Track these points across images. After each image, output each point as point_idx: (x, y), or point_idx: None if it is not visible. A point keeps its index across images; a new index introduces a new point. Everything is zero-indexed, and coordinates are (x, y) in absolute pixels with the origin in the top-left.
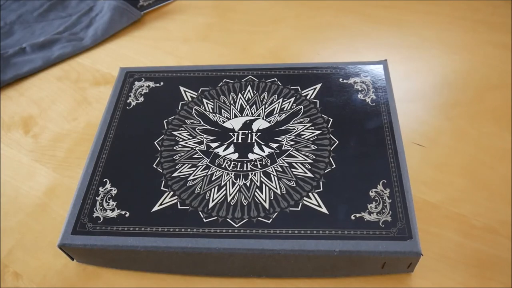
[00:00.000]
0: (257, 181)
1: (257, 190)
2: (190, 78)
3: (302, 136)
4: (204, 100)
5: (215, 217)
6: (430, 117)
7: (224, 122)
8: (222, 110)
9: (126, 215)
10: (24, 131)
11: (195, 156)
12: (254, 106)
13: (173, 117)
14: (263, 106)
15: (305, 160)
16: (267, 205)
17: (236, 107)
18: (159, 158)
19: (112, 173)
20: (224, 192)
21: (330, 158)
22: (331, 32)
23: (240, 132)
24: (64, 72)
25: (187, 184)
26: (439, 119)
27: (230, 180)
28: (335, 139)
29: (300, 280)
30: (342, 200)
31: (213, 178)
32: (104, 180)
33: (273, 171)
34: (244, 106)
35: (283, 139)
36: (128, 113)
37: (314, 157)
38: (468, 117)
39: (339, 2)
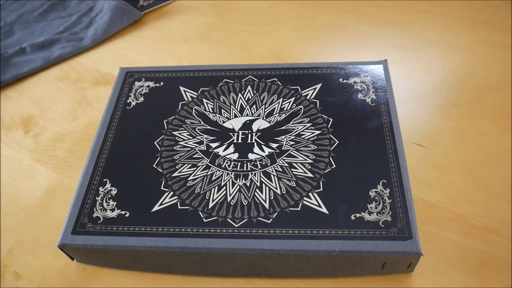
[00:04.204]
0: (257, 181)
1: (257, 190)
2: (190, 78)
3: (302, 136)
4: (204, 100)
5: (215, 217)
6: (430, 117)
7: (224, 122)
8: (222, 110)
9: (126, 215)
10: (24, 131)
11: (195, 156)
12: (254, 106)
13: (173, 117)
14: (263, 106)
15: (305, 160)
16: (267, 205)
17: (236, 107)
18: (159, 158)
19: (112, 173)
20: (224, 192)
21: (330, 158)
22: (331, 32)
23: (240, 132)
24: (64, 72)
25: (187, 184)
26: (439, 119)
27: (230, 180)
28: (335, 139)
29: (300, 280)
30: (342, 200)
31: (213, 178)
32: (104, 180)
33: (273, 171)
34: (244, 106)
35: (283, 139)
36: (128, 113)
37: (314, 157)
38: (468, 117)
39: (339, 2)
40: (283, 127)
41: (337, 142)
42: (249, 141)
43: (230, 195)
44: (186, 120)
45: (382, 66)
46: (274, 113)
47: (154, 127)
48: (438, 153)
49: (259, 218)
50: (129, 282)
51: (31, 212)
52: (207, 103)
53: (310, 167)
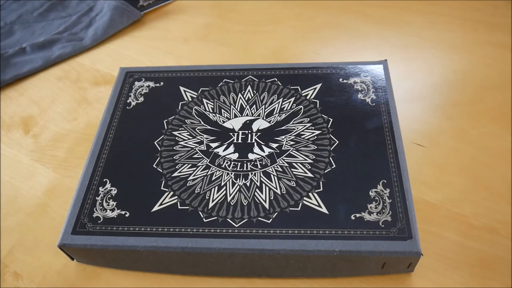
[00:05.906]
0: (257, 181)
1: (257, 190)
2: (190, 78)
3: (302, 136)
4: (204, 100)
5: (215, 217)
6: (430, 117)
7: (224, 122)
8: (222, 110)
9: (126, 215)
10: (24, 131)
11: (195, 156)
12: (254, 106)
13: (173, 117)
14: (263, 106)
15: (305, 160)
16: (267, 205)
17: (236, 107)
18: (159, 158)
19: (112, 173)
20: (224, 192)
21: (330, 158)
22: (331, 32)
23: (240, 132)
24: (64, 72)
25: (187, 184)
26: (439, 119)
27: (230, 180)
28: (335, 139)
29: (300, 280)
30: (342, 200)
31: (213, 178)
32: (104, 180)
33: (273, 171)
34: (244, 106)
35: (283, 139)
36: (128, 113)
37: (314, 157)
38: (468, 117)
39: (339, 2)
40: (283, 127)
41: (337, 142)
42: (249, 141)
43: (230, 195)
44: (186, 120)
45: (382, 66)
46: (274, 113)
47: (154, 127)
48: (438, 153)
49: (259, 218)
50: (129, 282)
51: (31, 212)
52: (207, 103)
53: (310, 167)
